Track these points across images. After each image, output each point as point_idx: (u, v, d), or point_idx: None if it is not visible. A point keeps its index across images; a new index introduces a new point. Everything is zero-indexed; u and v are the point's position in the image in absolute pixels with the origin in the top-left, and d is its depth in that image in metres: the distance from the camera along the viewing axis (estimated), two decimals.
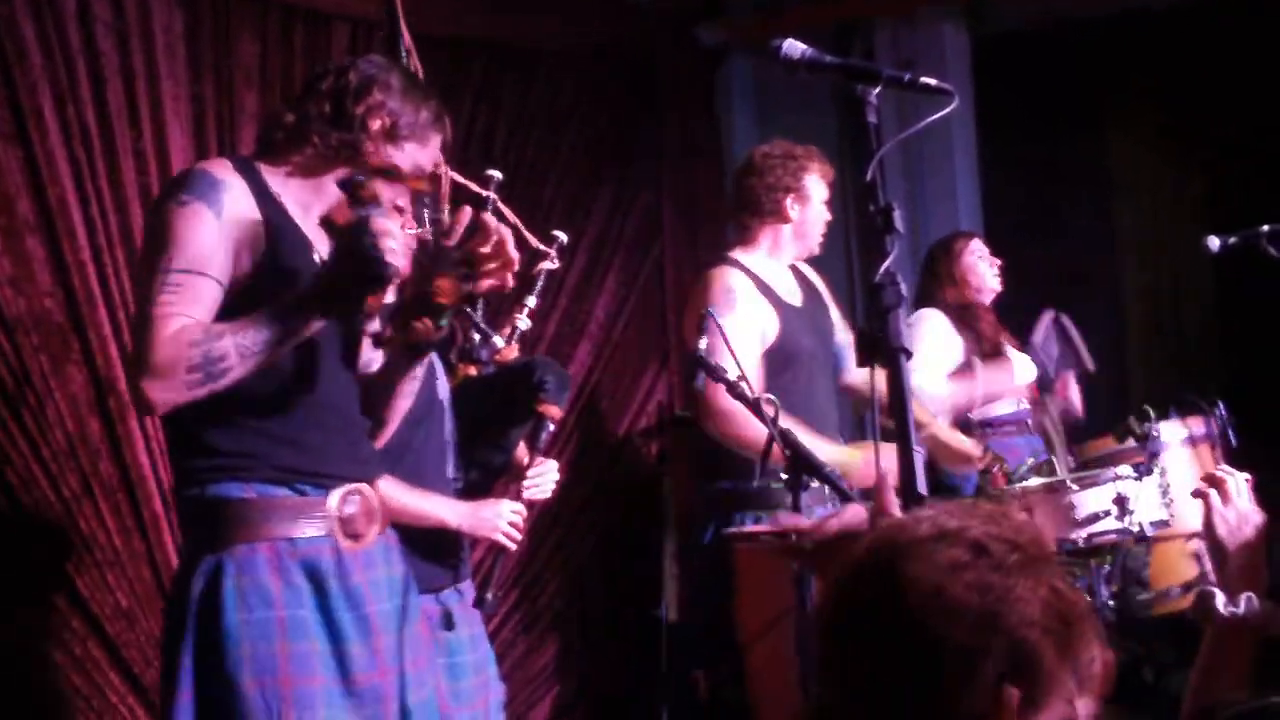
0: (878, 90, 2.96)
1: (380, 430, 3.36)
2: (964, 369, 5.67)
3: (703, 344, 4.09)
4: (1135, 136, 8.69)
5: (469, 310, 4.18)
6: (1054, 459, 4.88)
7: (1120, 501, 4.61)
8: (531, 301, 4.41)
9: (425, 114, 3.20)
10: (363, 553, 3.14)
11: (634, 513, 6.24)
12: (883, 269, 2.82)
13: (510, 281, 3.07)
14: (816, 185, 4.95)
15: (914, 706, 1.76)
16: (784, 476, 3.78)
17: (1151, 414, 4.75)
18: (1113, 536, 4.65)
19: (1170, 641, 5.07)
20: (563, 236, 4.51)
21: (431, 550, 3.94)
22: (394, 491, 3.86)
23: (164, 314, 2.83)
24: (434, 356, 4.11)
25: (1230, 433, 5.04)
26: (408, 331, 3.03)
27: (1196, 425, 5.05)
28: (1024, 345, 5.98)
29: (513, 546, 4.05)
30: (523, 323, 4.38)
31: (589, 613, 6.02)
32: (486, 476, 4.23)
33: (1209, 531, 2.75)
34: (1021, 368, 5.88)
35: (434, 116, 3.24)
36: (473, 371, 4.15)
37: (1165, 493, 4.71)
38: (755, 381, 4.58)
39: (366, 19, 5.30)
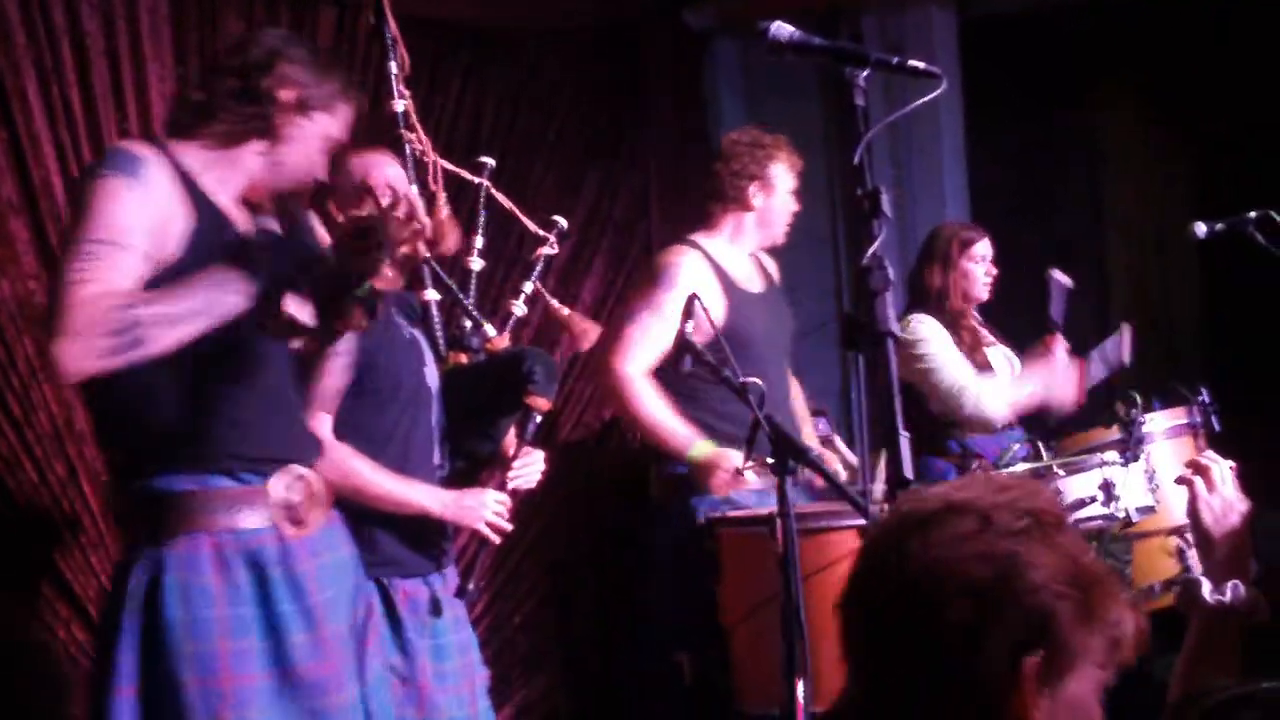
0: (866, 73, 2.96)
1: (311, 408, 3.35)
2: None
3: (689, 326, 4.09)
4: (1123, 120, 8.69)
5: (460, 296, 4.18)
6: (1040, 446, 4.86)
7: (1106, 487, 4.60)
8: (528, 287, 4.41)
9: (332, 85, 3.18)
10: (307, 540, 3.12)
11: (619, 498, 6.23)
12: (870, 252, 2.83)
13: (424, 250, 3.04)
14: (783, 175, 4.96)
15: (933, 685, 1.76)
16: (770, 461, 3.78)
17: (1138, 399, 4.74)
18: (1099, 522, 4.65)
19: (1156, 629, 5.06)
20: (563, 222, 4.51)
21: (416, 536, 3.94)
22: (377, 478, 3.86)
23: (79, 279, 2.79)
24: (423, 344, 4.11)
25: (1214, 420, 5.03)
26: (332, 329, 3.03)
27: (1180, 415, 5.04)
28: (1007, 341, 5.95)
29: (496, 539, 4.04)
30: (518, 309, 4.38)
31: (573, 599, 6.01)
32: (474, 465, 4.22)
33: (1194, 519, 2.74)
34: (1004, 364, 5.85)
35: (341, 87, 3.22)
36: (463, 359, 4.15)
37: (1151, 478, 4.71)
38: (647, 355, 4.67)
39: (353, 2, 5.28)
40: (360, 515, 3.84)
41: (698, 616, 4.43)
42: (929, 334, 5.52)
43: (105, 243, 2.83)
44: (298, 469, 3.14)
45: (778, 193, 4.97)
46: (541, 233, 4.51)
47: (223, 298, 2.83)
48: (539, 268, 4.48)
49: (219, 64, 3.18)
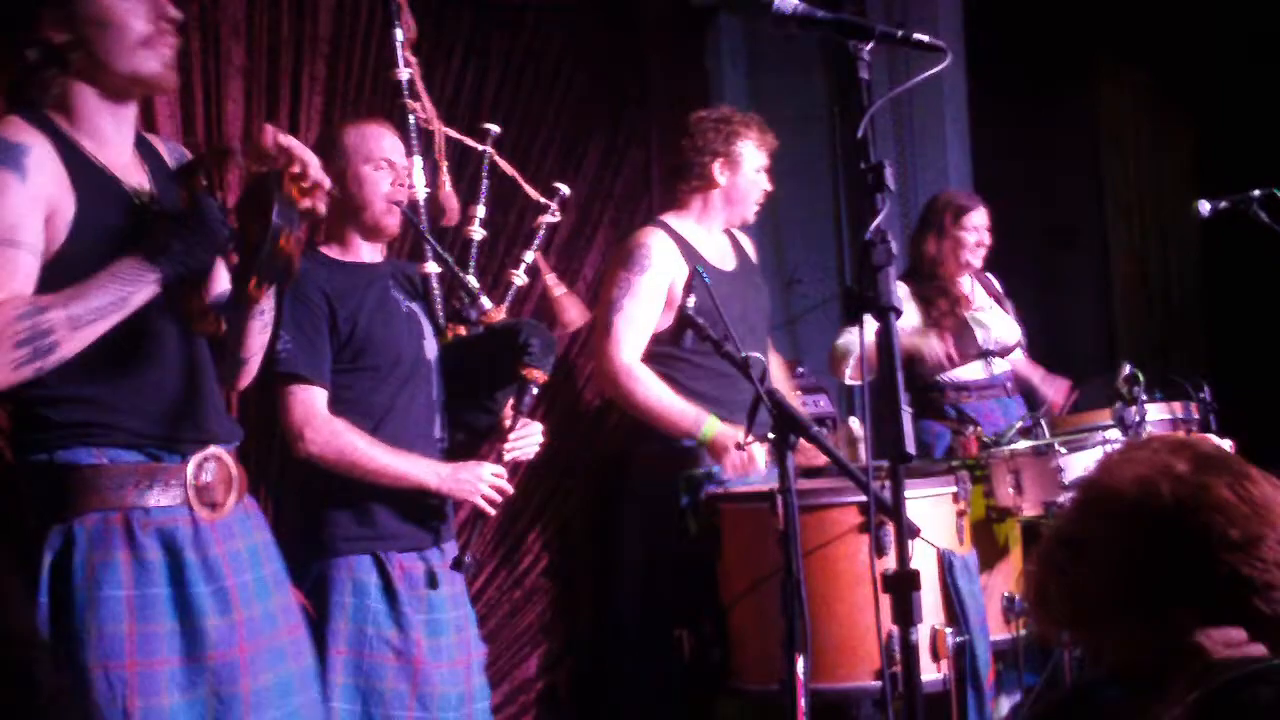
0: (870, 46, 2.94)
1: (240, 370, 3.25)
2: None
3: (691, 302, 4.09)
4: (1126, 95, 8.68)
5: (457, 269, 4.17)
6: (1042, 423, 4.86)
7: None
8: (529, 257, 4.40)
9: None
10: (221, 523, 3.04)
11: (615, 474, 6.22)
12: (873, 227, 2.81)
13: (322, 207, 2.94)
14: (750, 152, 4.95)
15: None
16: (771, 436, 3.78)
17: (1139, 375, 4.73)
18: None
19: None
20: (565, 189, 4.50)
21: (414, 509, 3.94)
22: (373, 452, 3.85)
23: None
24: (423, 317, 4.10)
25: (1212, 419, 5.03)
26: (244, 296, 2.97)
27: (1179, 410, 5.04)
28: (1009, 307, 5.98)
29: (491, 511, 4.03)
30: (519, 278, 4.37)
31: (574, 573, 6.01)
32: (472, 438, 4.22)
33: None
34: (1006, 328, 5.88)
35: None
36: (462, 332, 4.14)
37: None
38: (638, 340, 4.66)
39: None
40: (356, 489, 3.85)
41: (696, 593, 4.44)
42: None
43: (1, 245, 2.75)
44: (214, 449, 3.06)
45: (743, 171, 4.96)
46: (544, 200, 4.50)
47: (132, 292, 2.77)
48: (540, 236, 4.47)
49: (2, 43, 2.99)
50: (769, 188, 5.03)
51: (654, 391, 4.74)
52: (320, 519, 3.90)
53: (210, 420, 3.08)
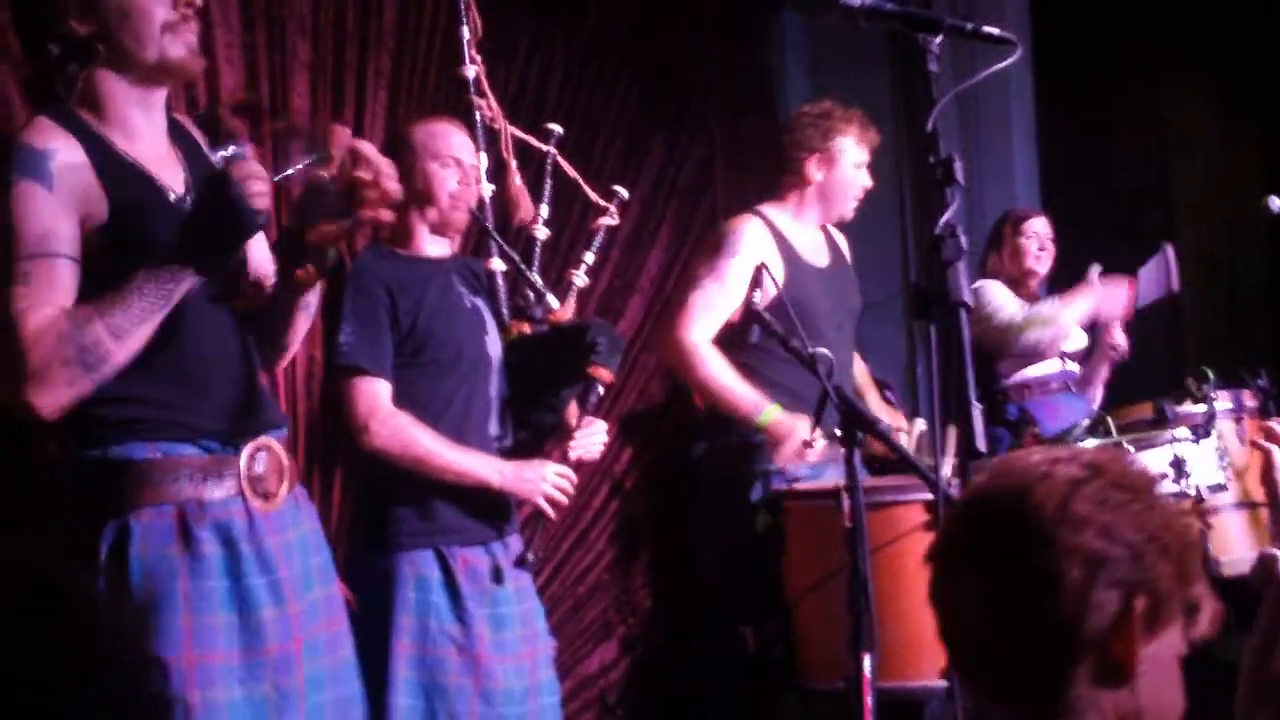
0: (939, 39, 2.92)
1: (281, 355, 3.24)
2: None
3: (757, 296, 4.08)
4: (1192, 92, 8.61)
5: (523, 267, 4.17)
6: (1109, 419, 4.81)
7: (1177, 464, 4.55)
8: (589, 258, 4.39)
9: None
10: (274, 514, 3.02)
11: (679, 472, 6.22)
12: (943, 221, 2.79)
13: (387, 215, 2.93)
14: (850, 149, 4.90)
15: (1043, 624, 1.78)
16: (838, 433, 3.76)
17: (1209, 374, 4.68)
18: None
19: (1228, 605, 4.99)
20: (623, 192, 4.49)
21: (477, 504, 3.94)
22: (438, 448, 3.85)
23: (21, 310, 2.69)
24: (486, 313, 4.10)
25: (1272, 404, 4.97)
26: (290, 281, 2.97)
27: (1239, 399, 4.99)
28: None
29: (552, 513, 4.03)
30: (579, 279, 4.36)
31: (638, 568, 6.00)
32: (537, 436, 4.20)
33: (1269, 485, 2.72)
34: (1075, 333, 5.88)
35: None
36: (526, 329, 4.14)
37: (1223, 456, 4.65)
38: (708, 321, 4.63)
39: None
40: (418, 484, 3.85)
41: (760, 589, 4.42)
42: (989, 289, 5.69)
43: (36, 257, 2.72)
44: (265, 440, 3.03)
45: (840, 167, 4.91)
46: (602, 202, 4.49)
47: (169, 290, 2.75)
48: (599, 238, 4.46)
49: (44, 16, 2.96)
50: (869, 184, 4.98)
51: (716, 370, 4.70)
52: (383, 514, 3.90)
53: (260, 410, 3.07)
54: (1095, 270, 5.86)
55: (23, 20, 2.94)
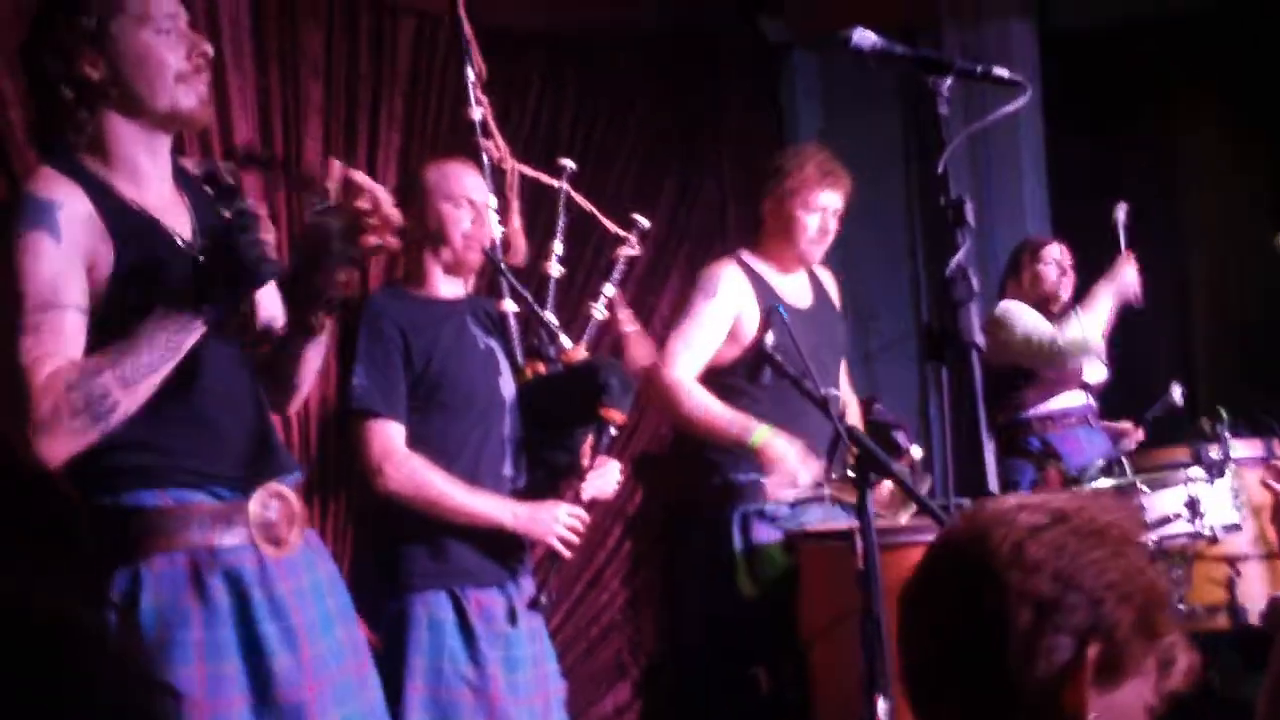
0: (949, 82, 2.93)
1: (292, 396, 3.21)
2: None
3: (769, 339, 4.08)
4: (1202, 133, 8.60)
5: (536, 307, 4.17)
6: (1124, 460, 4.81)
7: (1192, 504, 4.55)
8: (609, 290, 4.39)
9: (95, 1, 2.87)
10: (286, 560, 2.98)
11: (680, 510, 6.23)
12: (954, 263, 2.79)
13: (393, 242, 2.87)
14: (800, 192, 4.88)
15: (991, 666, 1.77)
16: (850, 474, 3.75)
17: (1224, 415, 4.68)
18: (1183, 540, 4.59)
19: (1237, 648, 4.99)
20: (644, 221, 4.49)
21: (490, 545, 3.94)
22: (451, 490, 3.86)
23: (30, 361, 2.67)
24: (500, 354, 4.11)
25: None
26: (305, 327, 2.96)
27: (1258, 447, 4.98)
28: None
29: (567, 554, 4.03)
30: (599, 312, 4.36)
31: (651, 610, 6.00)
32: (552, 476, 4.20)
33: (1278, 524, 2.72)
34: (1092, 366, 5.89)
35: None
36: (540, 369, 4.14)
37: (1237, 495, 4.64)
38: (693, 361, 4.69)
39: (432, 12, 5.29)
40: (431, 525, 3.85)
41: (778, 630, 4.42)
42: (1013, 308, 5.71)
43: (45, 309, 2.70)
44: (276, 485, 3.01)
45: (788, 210, 4.89)
46: (622, 233, 4.50)
47: (180, 339, 2.73)
48: (619, 269, 4.46)
49: (35, 73, 2.92)
50: (826, 229, 4.94)
51: (701, 401, 4.71)
52: (396, 555, 3.90)
53: (271, 455, 3.04)
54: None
55: (31, 61, 2.91)
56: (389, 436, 3.86)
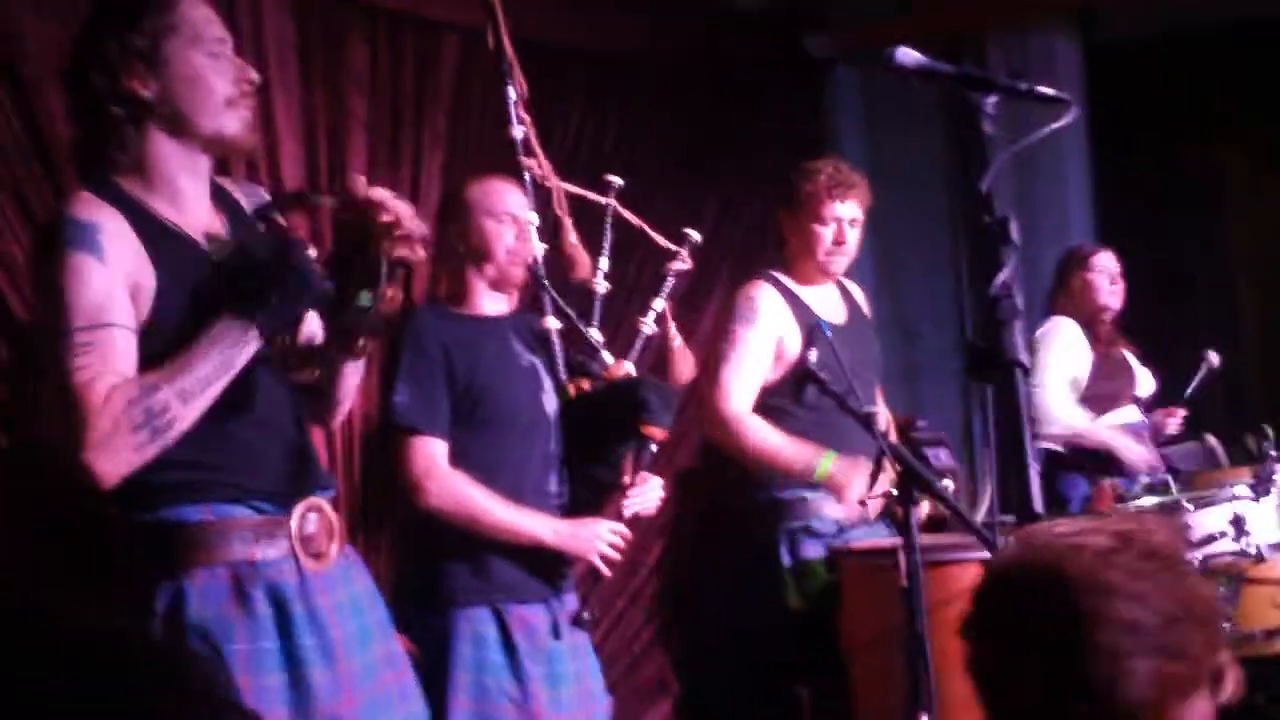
0: (993, 99, 2.92)
1: (334, 410, 3.24)
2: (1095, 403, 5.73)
3: (813, 356, 4.07)
4: (1249, 148, 8.57)
5: (579, 323, 4.18)
6: (1169, 480, 4.79)
7: (1237, 522, 4.52)
8: (659, 305, 4.39)
9: (148, 20, 2.88)
10: (325, 573, 3.00)
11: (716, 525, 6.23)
12: (999, 281, 2.78)
13: (420, 254, 2.88)
14: (812, 203, 4.88)
15: (1077, 692, 1.79)
16: (895, 492, 3.75)
17: (1270, 432, 4.65)
18: (1229, 558, 4.56)
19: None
20: (695, 235, 4.49)
21: (532, 561, 3.94)
22: (493, 506, 3.86)
23: (86, 380, 2.67)
24: (543, 371, 4.11)
25: None
26: (349, 348, 2.97)
27: None
28: (1145, 356, 5.96)
29: (607, 572, 4.03)
30: (648, 326, 4.36)
31: (695, 625, 5.99)
32: (595, 493, 4.20)
33: None
34: (1142, 379, 5.85)
35: (157, 10, 2.90)
36: (584, 386, 4.15)
37: None
38: (747, 391, 4.63)
39: (475, 28, 5.29)
40: (473, 541, 3.86)
41: (820, 645, 4.41)
42: (1055, 339, 5.62)
43: (94, 327, 2.71)
44: (315, 500, 3.02)
45: (802, 223, 4.91)
46: (672, 247, 4.50)
47: (235, 354, 2.74)
48: (669, 283, 4.46)
49: (72, 89, 2.94)
50: (843, 239, 4.93)
51: (764, 435, 4.71)
52: (437, 571, 3.91)
53: (309, 470, 3.06)
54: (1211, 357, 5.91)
55: (77, 77, 2.92)
56: (431, 453, 3.88)
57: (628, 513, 4.06)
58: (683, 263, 4.48)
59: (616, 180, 4.50)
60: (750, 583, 4.82)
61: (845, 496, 4.58)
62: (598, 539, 3.98)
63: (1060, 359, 5.79)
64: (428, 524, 3.90)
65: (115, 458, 2.67)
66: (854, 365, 4.74)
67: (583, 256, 4.30)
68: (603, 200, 4.46)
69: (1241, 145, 8.39)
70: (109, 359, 2.71)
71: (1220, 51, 7.40)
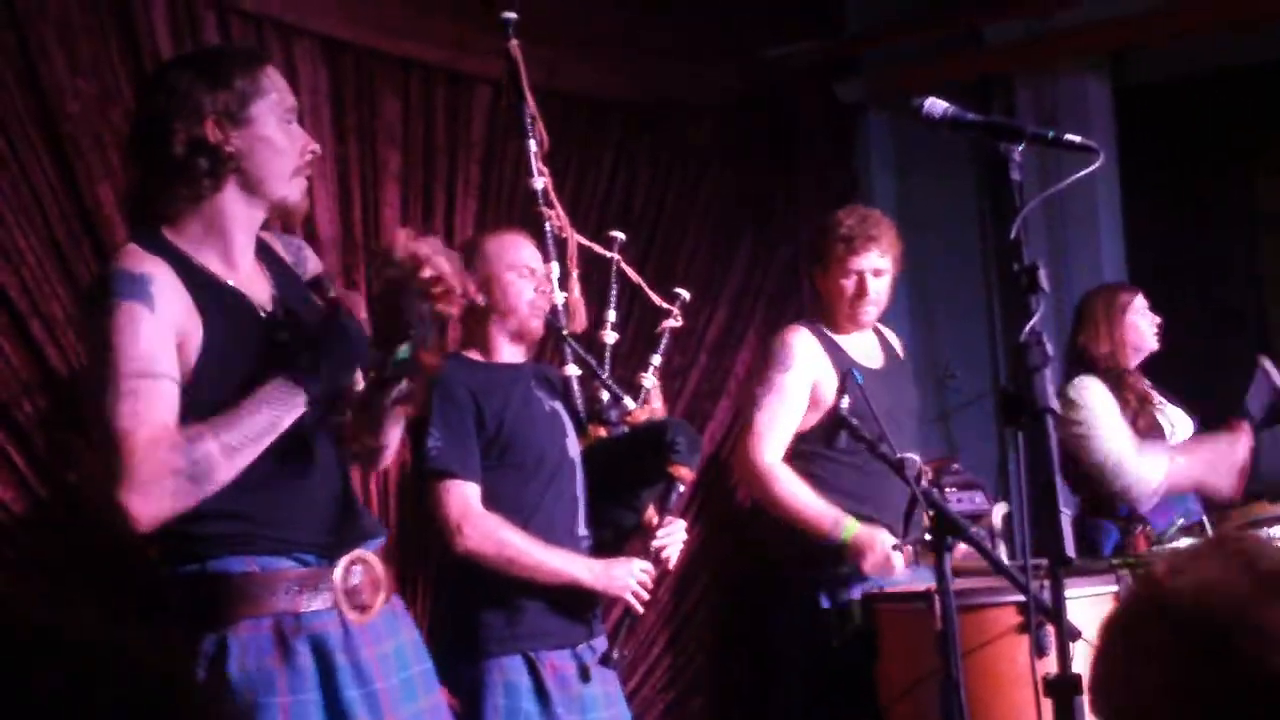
0: (1021, 147, 2.94)
1: (381, 455, 3.24)
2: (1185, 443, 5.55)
3: (845, 403, 4.08)
4: None
5: (600, 372, 4.22)
6: (1205, 521, 4.77)
7: None
8: (656, 360, 4.44)
9: (239, 80, 2.93)
10: (369, 625, 3.01)
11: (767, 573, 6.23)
12: (1028, 328, 2.80)
13: (456, 310, 2.92)
14: (838, 257, 4.88)
15: None
16: (928, 537, 3.75)
17: None
18: None
19: None
20: (684, 294, 4.55)
21: (564, 606, 3.96)
22: (530, 549, 3.88)
23: (131, 426, 2.71)
24: (564, 415, 4.14)
25: None
26: (381, 399, 2.99)
27: None
28: (1178, 400, 5.85)
29: (639, 609, 4.04)
30: (648, 381, 4.41)
31: (730, 671, 5.99)
32: (618, 536, 4.23)
33: None
34: (1182, 422, 5.74)
35: (244, 66, 2.96)
36: (602, 432, 4.18)
37: None
38: (781, 440, 4.64)
39: (506, 83, 5.36)
40: (505, 588, 3.87)
41: (848, 694, 4.41)
42: (1091, 400, 5.42)
43: (142, 376, 2.75)
44: (360, 552, 3.04)
45: (831, 276, 4.91)
46: (665, 305, 4.55)
47: (281, 415, 2.79)
48: (665, 341, 4.52)
49: (138, 139, 2.99)
50: (868, 292, 4.92)
51: (793, 492, 4.72)
52: (471, 620, 3.92)
53: (354, 521, 3.08)
54: (1265, 363, 5.68)
55: (155, 124, 2.94)
56: (466, 497, 3.90)
57: (662, 554, 4.08)
58: (675, 320, 4.53)
59: (619, 235, 4.58)
60: (792, 627, 4.83)
61: (867, 564, 4.60)
62: (631, 576, 4.00)
63: (1108, 408, 5.56)
64: (462, 571, 3.92)
65: (153, 502, 2.71)
66: (889, 410, 4.75)
67: (581, 311, 4.37)
68: (608, 254, 4.53)
69: (1275, 183, 8.38)
70: (154, 408, 2.74)
71: (1251, 90, 7.40)
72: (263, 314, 2.97)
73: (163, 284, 2.82)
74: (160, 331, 2.79)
